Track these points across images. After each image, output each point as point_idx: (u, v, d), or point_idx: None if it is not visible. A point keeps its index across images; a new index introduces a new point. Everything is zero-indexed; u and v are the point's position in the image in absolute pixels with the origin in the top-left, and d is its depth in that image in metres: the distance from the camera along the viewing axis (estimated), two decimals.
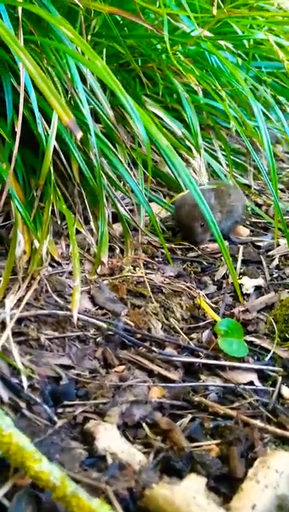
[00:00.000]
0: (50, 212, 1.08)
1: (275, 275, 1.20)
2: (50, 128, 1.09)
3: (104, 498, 0.61)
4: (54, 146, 1.12)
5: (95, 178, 1.19)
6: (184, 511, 0.57)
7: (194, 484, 0.61)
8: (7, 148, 1.13)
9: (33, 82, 0.93)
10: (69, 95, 1.19)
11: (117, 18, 1.45)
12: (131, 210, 1.32)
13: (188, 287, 1.09)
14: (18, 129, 0.94)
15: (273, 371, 0.87)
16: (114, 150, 1.28)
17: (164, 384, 0.81)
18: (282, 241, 1.32)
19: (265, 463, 0.67)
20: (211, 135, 1.67)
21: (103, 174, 1.26)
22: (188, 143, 1.54)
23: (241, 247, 1.29)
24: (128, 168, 1.27)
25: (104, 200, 1.20)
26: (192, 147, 1.55)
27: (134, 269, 1.10)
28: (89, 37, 1.34)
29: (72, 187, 1.24)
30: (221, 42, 1.52)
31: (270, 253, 1.29)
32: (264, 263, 1.24)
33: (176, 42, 1.37)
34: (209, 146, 1.71)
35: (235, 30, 1.43)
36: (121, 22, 1.49)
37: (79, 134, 0.73)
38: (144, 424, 0.74)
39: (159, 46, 1.42)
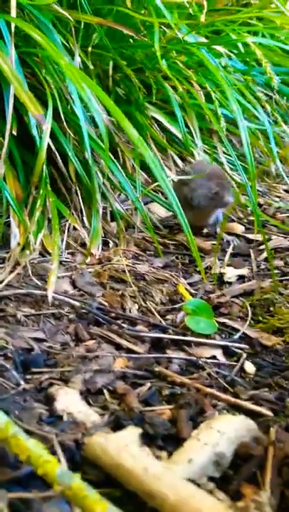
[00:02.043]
0: (42, 208, 1.16)
1: (263, 267, 1.23)
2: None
3: (50, 447, 0.66)
4: (53, 149, 1.22)
5: (90, 177, 1.27)
6: (116, 458, 0.61)
7: (129, 435, 0.65)
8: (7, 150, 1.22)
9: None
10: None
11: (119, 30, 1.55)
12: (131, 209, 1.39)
13: (172, 276, 1.13)
14: (8, 125, 1.02)
15: (239, 348, 0.90)
16: (111, 151, 1.36)
17: (128, 355, 0.85)
18: (273, 236, 1.35)
19: (210, 424, 0.71)
20: (214, 139, 1.73)
21: (99, 173, 1.34)
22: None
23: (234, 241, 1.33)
24: (121, 168, 1.34)
25: (99, 197, 1.28)
26: (194, 151, 1.62)
27: (122, 260, 1.16)
28: (89, 49, 1.44)
29: (70, 186, 1.32)
30: (221, 49, 1.60)
31: (261, 247, 1.32)
32: (253, 256, 1.27)
33: (170, 49, 1.45)
34: (214, 151, 1.76)
35: (230, 36, 1.49)
36: (124, 34, 1.58)
37: (45, 126, 0.80)
38: (105, 391, 0.80)
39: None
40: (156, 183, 1.19)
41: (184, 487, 0.56)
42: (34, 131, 1.19)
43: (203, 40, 1.56)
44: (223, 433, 0.69)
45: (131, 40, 1.59)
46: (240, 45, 1.63)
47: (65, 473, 0.56)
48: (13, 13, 1.03)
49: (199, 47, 1.37)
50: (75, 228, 1.28)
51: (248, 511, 0.52)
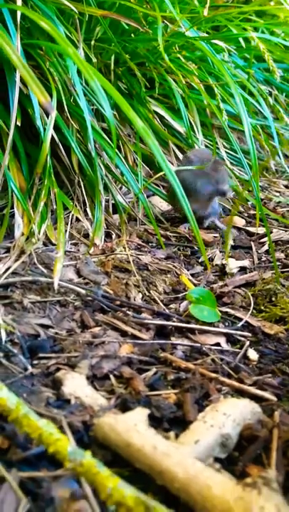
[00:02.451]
0: (46, 199, 1.17)
1: (264, 259, 1.24)
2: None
3: (58, 428, 0.67)
4: (57, 141, 1.23)
5: (93, 169, 1.28)
6: (124, 436, 0.63)
7: (137, 415, 0.66)
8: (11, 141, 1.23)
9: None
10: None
11: (123, 24, 1.56)
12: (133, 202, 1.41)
13: (175, 267, 1.15)
14: (13, 117, 1.03)
15: (242, 336, 0.92)
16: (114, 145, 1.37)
17: (134, 341, 0.87)
18: (274, 229, 1.37)
19: (215, 407, 0.72)
20: (215, 134, 1.74)
21: (102, 166, 1.36)
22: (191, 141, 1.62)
23: (235, 234, 1.34)
24: (124, 160, 1.35)
25: (102, 189, 1.29)
26: (195, 145, 1.63)
27: (125, 250, 1.17)
28: (92, 42, 1.45)
29: (73, 178, 1.33)
30: (222, 44, 1.61)
31: (261, 240, 1.34)
32: (254, 248, 1.28)
33: (173, 43, 1.46)
34: (216, 145, 1.77)
35: (231, 31, 1.51)
36: (127, 28, 1.59)
37: (53, 113, 0.81)
38: (111, 376, 0.81)
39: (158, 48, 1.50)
40: (161, 173, 1.19)
41: (193, 465, 0.58)
42: (38, 123, 1.20)
43: (205, 35, 1.57)
44: (228, 415, 0.70)
45: (133, 35, 1.60)
46: (241, 41, 1.64)
47: (76, 451, 0.58)
48: (19, 2, 1.04)
49: (201, 41, 1.38)
50: (78, 220, 1.29)
51: (256, 487, 0.53)
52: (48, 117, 1.16)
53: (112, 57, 1.56)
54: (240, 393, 0.78)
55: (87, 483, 0.57)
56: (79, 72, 1.26)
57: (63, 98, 1.25)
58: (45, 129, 1.15)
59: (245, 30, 1.41)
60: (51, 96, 1.20)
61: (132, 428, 0.63)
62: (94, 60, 1.41)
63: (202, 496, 0.54)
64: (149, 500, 0.51)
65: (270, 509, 0.51)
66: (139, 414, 0.66)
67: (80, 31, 1.23)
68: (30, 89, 0.84)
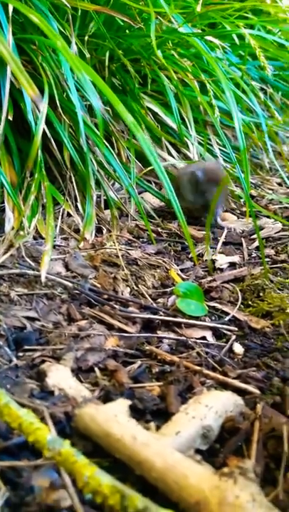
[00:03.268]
0: (37, 193, 1.17)
1: (254, 255, 1.24)
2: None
3: (41, 418, 0.67)
4: (49, 136, 1.23)
5: (84, 164, 1.28)
6: (104, 427, 0.63)
7: (118, 406, 0.67)
8: (2, 135, 1.23)
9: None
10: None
11: (118, 20, 1.56)
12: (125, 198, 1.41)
13: (164, 262, 1.15)
14: (4, 111, 1.03)
15: (228, 330, 0.92)
16: (107, 141, 1.37)
17: (120, 334, 0.87)
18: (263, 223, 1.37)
19: (198, 400, 0.72)
20: (208, 131, 1.74)
21: (95, 162, 1.36)
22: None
23: (225, 230, 1.35)
24: (117, 156, 1.35)
25: (93, 184, 1.29)
26: (189, 142, 1.63)
27: (115, 245, 1.17)
28: (86, 37, 1.45)
29: (65, 173, 1.33)
30: (216, 41, 1.61)
31: (252, 236, 1.34)
32: (244, 244, 1.29)
33: (167, 39, 1.46)
34: (209, 143, 1.78)
35: (225, 28, 1.51)
36: (122, 24, 1.59)
37: (42, 106, 0.82)
38: (96, 368, 0.81)
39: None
40: (149, 168, 1.20)
41: (171, 454, 0.58)
42: (30, 117, 1.20)
43: (199, 32, 1.57)
44: (210, 407, 0.70)
45: (127, 31, 1.60)
46: (235, 38, 1.64)
47: (55, 440, 0.58)
48: None
49: (195, 37, 1.38)
50: (69, 215, 1.29)
51: (232, 476, 0.54)
52: (39, 111, 1.16)
53: (107, 54, 1.56)
54: (224, 386, 0.78)
55: (66, 472, 0.58)
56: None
57: (55, 93, 1.25)
58: (36, 124, 1.15)
59: (239, 27, 1.41)
60: (43, 90, 1.21)
61: (112, 418, 0.64)
62: (87, 55, 1.41)
63: (179, 485, 0.54)
64: (125, 489, 0.51)
65: (245, 498, 0.51)
66: (120, 405, 0.67)
67: (72, 26, 1.23)
68: (19, 82, 0.84)
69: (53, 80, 1.27)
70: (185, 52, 1.62)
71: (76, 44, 1.34)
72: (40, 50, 1.30)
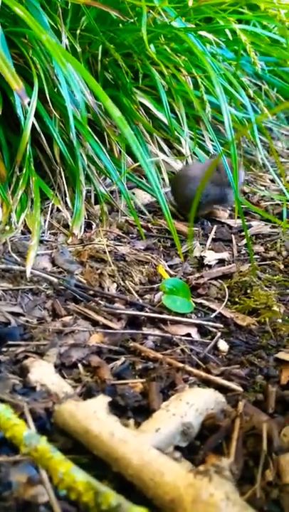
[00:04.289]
0: (25, 188, 1.17)
1: (243, 252, 1.24)
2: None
3: (20, 414, 0.67)
4: (38, 130, 1.22)
5: (74, 159, 1.28)
6: (83, 423, 0.63)
7: (98, 402, 0.66)
8: None
9: None
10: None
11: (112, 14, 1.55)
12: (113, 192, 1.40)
13: (153, 258, 1.15)
14: None
15: (214, 327, 0.92)
16: (100, 136, 1.37)
17: (104, 331, 0.87)
18: (254, 222, 1.37)
19: (180, 397, 0.72)
20: (202, 127, 1.73)
21: (85, 157, 1.35)
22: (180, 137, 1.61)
23: (215, 227, 1.34)
24: (109, 152, 1.34)
25: (83, 179, 1.29)
26: (182, 138, 1.63)
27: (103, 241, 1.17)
28: (78, 31, 1.44)
29: (55, 168, 1.33)
30: (210, 36, 1.60)
31: (242, 233, 1.34)
32: (234, 241, 1.28)
33: (160, 34, 1.45)
34: (202, 138, 1.77)
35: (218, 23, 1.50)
36: (115, 18, 1.58)
37: (26, 100, 0.81)
38: (79, 365, 0.81)
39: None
40: (136, 164, 1.19)
41: (148, 451, 0.58)
42: (19, 111, 1.19)
43: (193, 26, 1.56)
44: (191, 405, 0.70)
45: (121, 25, 1.59)
46: (228, 33, 1.63)
47: (32, 436, 0.58)
48: None
49: (187, 32, 1.37)
50: (58, 210, 1.29)
51: (208, 475, 0.54)
52: (29, 106, 1.16)
53: (100, 48, 1.55)
54: (207, 383, 0.78)
55: (42, 468, 0.58)
56: None
57: (46, 87, 1.24)
58: (26, 118, 1.15)
59: (230, 22, 1.40)
60: (33, 84, 1.20)
61: (91, 415, 0.63)
62: (78, 49, 1.40)
63: (154, 482, 0.54)
64: (100, 486, 0.51)
65: (219, 496, 0.51)
66: (100, 402, 0.66)
67: (62, 19, 1.22)
68: (4, 75, 0.84)
69: (43, 74, 1.26)
70: (178, 47, 1.61)
71: (68, 38, 1.33)
72: (31, 43, 1.29)
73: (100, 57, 1.54)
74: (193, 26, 1.51)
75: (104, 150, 1.34)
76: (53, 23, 1.31)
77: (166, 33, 1.45)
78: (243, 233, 1.34)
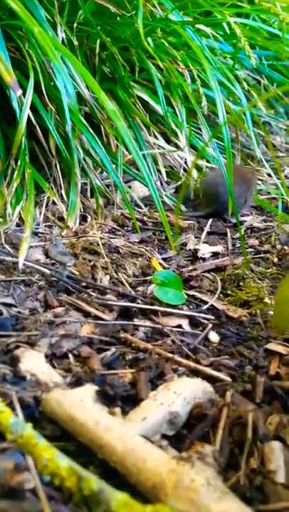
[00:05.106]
0: (21, 180, 1.18)
1: (238, 245, 1.24)
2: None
3: (9, 403, 0.68)
4: (34, 122, 1.22)
5: (70, 152, 1.28)
6: (69, 411, 0.63)
7: (85, 391, 0.67)
8: None
9: None
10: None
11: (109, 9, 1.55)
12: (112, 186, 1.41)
13: (147, 251, 1.15)
14: None
15: (205, 319, 0.92)
16: (97, 129, 1.37)
17: (96, 322, 0.87)
18: (249, 217, 1.37)
19: (168, 386, 0.73)
20: (199, 121, 1.73)
21: (81, 149, 1.35)
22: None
23: (210, 220, 1.35)
24: (104, 146, 1.35)
25: (78, 171, 1.29)
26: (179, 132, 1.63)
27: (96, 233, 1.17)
28: (75, 25, 1.44)
29: (50, 160, 1.33)
30: (207, 30, 1.60)
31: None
32: (229, 234, 1.29)
33: (155, 27, 1.45)
34: (200, 132, 1.77)
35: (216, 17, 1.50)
36: (112, 12, 1.58)
37: (18, 92, 0.81)
38: (70, 355, 0.81)
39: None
40: (129, 157, 1.19)
41: (132, 439, 0.58)
42: (14, 103, 1.19)
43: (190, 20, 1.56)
44: (179, 394, 0.71)
45: (118, 18, 1.58)
46: (226, 27, 1.62)
47: (18, 423, 0.58)
48: None
49: (184, 26, 1.37)
50: (54, 203, 1.29)
51: (190, 461, 0.54)
52: (24, 97, 1.16)
53: (98, 41, 1.55)
54: (196, 373, 0.79)
55: (27, 454, 0.58)
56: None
57: (41, 80, 1.25)
58: (21, 111, 1.15)
59: (230, 16, 1.40)
60: (29, 77, 1.20)
61: (78, 403, 0.64)
62: (75, 42, 1.40)
63: (137, 469, 0.55)
64: (82, 472, 0.52)
65: (200, 481, 0.51)
66: (87, 390, 0.67)
67: (58, 12, 1.22)
68: None
69: (39, 67, 1.26)
70: (177, 41, 1.61)
71: (65, 32, 1.33)
72: (27, 36, 1.30)
73: (97, 51, 1.54)
74: (191, 20, 1.50)
75: (101, 143, 1.34)
76: (49, 16, 1.32)
77: (163, 26, 1.44)
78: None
